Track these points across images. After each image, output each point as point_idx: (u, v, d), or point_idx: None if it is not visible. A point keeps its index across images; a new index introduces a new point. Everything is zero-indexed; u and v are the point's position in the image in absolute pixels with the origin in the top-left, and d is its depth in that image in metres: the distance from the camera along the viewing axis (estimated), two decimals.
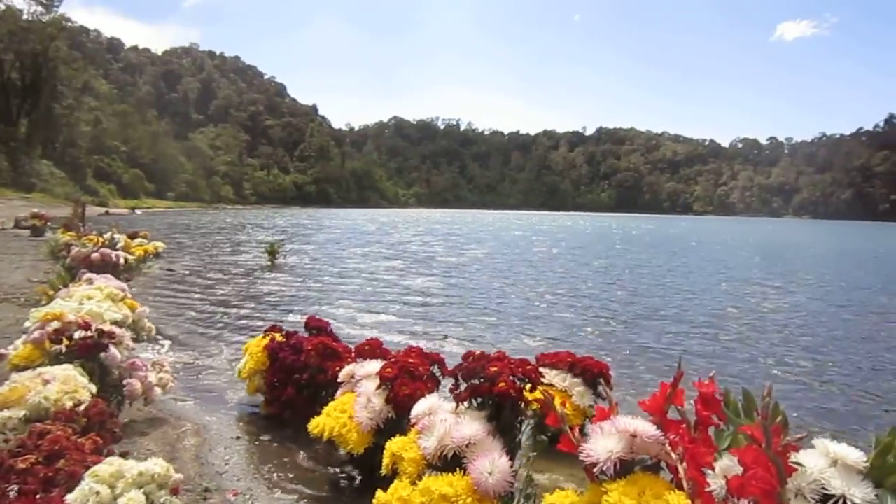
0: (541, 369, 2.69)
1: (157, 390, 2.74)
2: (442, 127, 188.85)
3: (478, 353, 1.79)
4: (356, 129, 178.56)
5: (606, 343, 5.98)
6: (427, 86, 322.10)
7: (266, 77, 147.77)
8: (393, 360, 2.13)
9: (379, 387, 2.04)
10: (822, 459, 1.34)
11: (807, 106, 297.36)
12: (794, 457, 1.32)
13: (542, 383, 2.53)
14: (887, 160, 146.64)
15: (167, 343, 4.73)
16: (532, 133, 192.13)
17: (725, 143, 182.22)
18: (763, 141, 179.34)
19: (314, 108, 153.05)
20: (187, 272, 10.18)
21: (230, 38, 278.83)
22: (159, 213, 48.47)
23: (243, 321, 6.13)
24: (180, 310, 6.59)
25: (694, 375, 4.69)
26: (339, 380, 2.33)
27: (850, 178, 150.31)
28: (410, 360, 2.04)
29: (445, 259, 14.31)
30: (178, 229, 25.57)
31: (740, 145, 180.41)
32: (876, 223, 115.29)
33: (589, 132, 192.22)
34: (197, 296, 7.69)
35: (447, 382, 2.00)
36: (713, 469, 1.32)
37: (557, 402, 2.32)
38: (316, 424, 2.15)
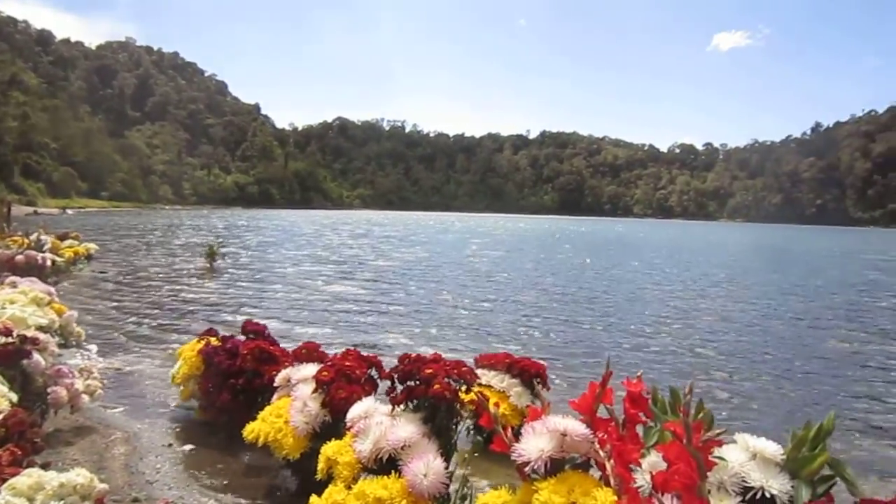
0: (479, 370, 2.72)
1: (85, 398, 2.64)
2: (387, 128, 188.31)
3: (414, 355, 1.79)
4: (300, 129, 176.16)
5: (544, 343, 6.06)
6: (372, 87, 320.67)
7: (207, 74, 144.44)
8: (330, 363, 2.11)
9: (315, 390, 2.02)
10: (743, 453, 1.40)
11: (740, 113, 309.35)
12: (717, 451, 1.37)
13: (479, 384, 2.56)
14: (813, 166, 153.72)
15: (97, 348, 4.55)
16: (477, 136, 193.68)
17: (664, 149, 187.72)
18: (699, 147, 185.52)
19: (257, 108, 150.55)
20: (121, 275, 9.85)
21: (168, 33, 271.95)
22: (92, 214, 46.77)
23: (178, 325, 5.97)
24: (112, 314, 6.38)
25: (627, 373, 4.80)
26: (275, 384, 2.30)
27: (780, 183, 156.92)
28: (347, 364, 2.03)
29: (376, 263, 14.16)
30: (113, 230, 24.72)
31: (678, 151, 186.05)
32: (804, 226, 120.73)
33: (533, 136, 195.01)
34: (130, 299, 7.45)
35: (386, 384, 1.99)
36: (640, 465, 1.36)
37: (494, 402, 2.35)
38: (251, 430, 2.11)
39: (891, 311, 9.61)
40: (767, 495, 1.36)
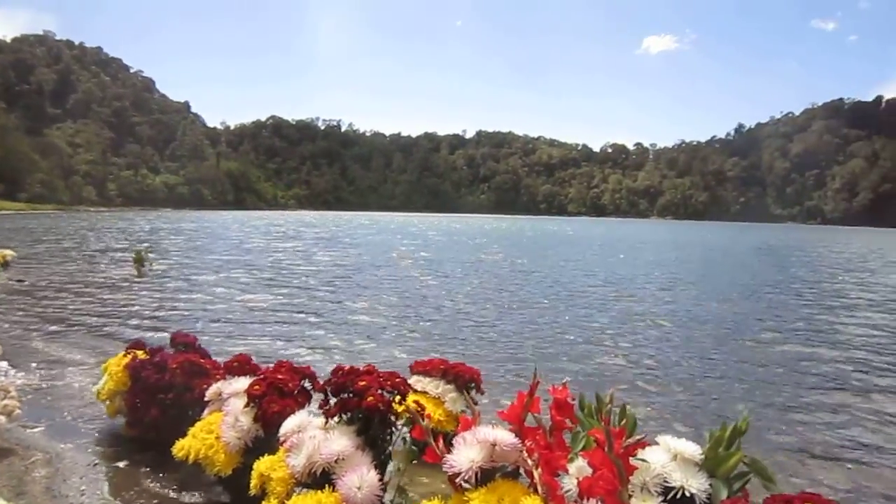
0: (415, 377, 2.74)
1: (1, 418, 2.52)
2: (322, 127, 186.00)
3: (347, 367, 1.79)
4: (232, 128, 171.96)
5: (475, 346, 6.11)
6: (306, 85, 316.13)
7: (132, 70, 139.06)
8: (262, 376, 2.09)
9: (247, 405, 1.99)
10: (665, 455, 1.46)
11: (668, 114, 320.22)
12: (641, 453, 1.43)
13: (416, 390, 2.58)
14: (737, 165, 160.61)
15: (13, 364, 4.33)
16: (413, 135, 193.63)
17: (597, 148, 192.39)
18: (630, 146, 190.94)
19: (186, 105, 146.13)
20: (40, 283, 9.41)
21: (91, 26, 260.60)
22: (8, 217, 44.34)
23: (103, 337, 5.74)
24: (31, 326, 6.08)
25: (555, 375, 4.90)
26: (206, 398, 2.25)
27: (706, 181, 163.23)
28: (280, 377, 2.01)
29: (305, 268, 13.83)
30: (31, 234, 23.54)
31: (610, 150, 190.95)
32: (728, 223, 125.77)
33: (469, 135, 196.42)
34: (51, 310, 7.11)
35: (319, 394, 1.98)
36: (567, 471, 1.41)
37: (427, 413, 2.37)
38: (181, 447, 2.07)
39: (807, 308, 10.13)
40: (687, 494, 1.43)
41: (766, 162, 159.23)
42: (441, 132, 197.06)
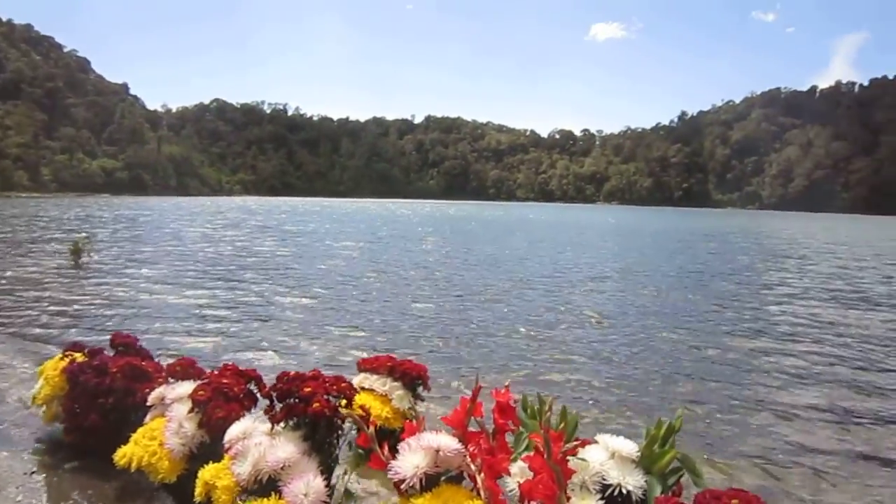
0: (362, 374, 2.75)
1: None
2: (268, 111, 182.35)
3: (292, 373, 1.79)
4: (174, 110, 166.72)
5: (424, 341, 6.14)
6: (251, 67, 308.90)
7: (66, 50, 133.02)
8: (206, 380, 2.07)
9: (191, 410, 1.97)
10: (603, 453, 1.52)
11: (615, 101, 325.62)
12: (581, 452, 1.49)
13: (363, 388, 2.59)
14: (680, 152, 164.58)
15: None
16: (362, 120, 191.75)
17: (544, 134, 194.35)
18: (577, 132, 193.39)
19: (125, 87, 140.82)
20: None
21: (19, 3, 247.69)
22: None
23: (38, 337, 5.53)
24: None
25: (504, 374, 4.94)
26: (148, 403, 2.21)
27: (651, 167, 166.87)
28: (225, 381, 1.99)
29: (246, 260, 13.52)
30: None
31: (557, 136, 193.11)
32: (671, 208, 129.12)
33: (418, 120, 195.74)
34: None
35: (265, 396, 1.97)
36: (510, 474, 1.45)
37: (378, 406, 2.39)
38: (122, 454, 2.03)
39: (747, 298, 10.49)
40: (624, 491, 1.49)
41: (707, 149, 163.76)
42: (390, 117, 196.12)
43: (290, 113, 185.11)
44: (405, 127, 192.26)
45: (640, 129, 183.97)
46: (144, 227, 25.35)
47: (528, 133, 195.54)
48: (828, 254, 20.35)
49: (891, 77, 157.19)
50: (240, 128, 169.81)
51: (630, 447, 1.53)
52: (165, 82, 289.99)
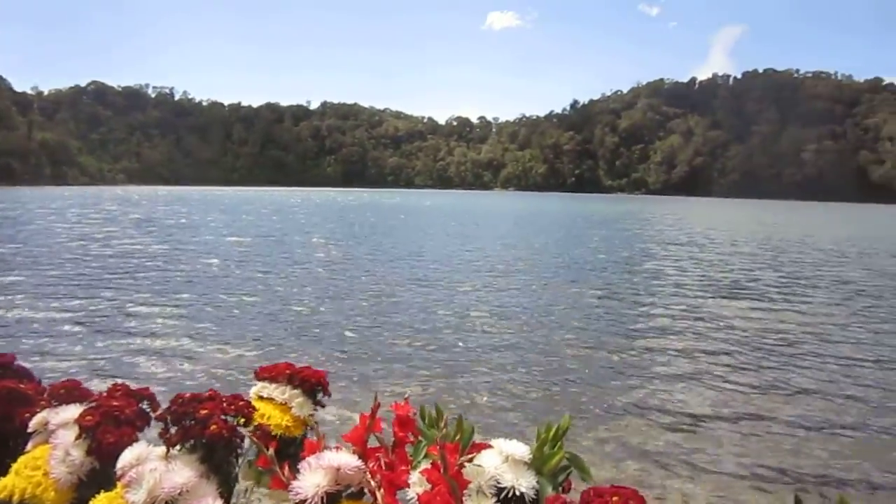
0: (260, 383, 2.71)
1: None
2: (153, 95, 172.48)
3: (188, 395, 1.75)
4: (46, 94, 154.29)
5: (311, 344, 6.10)
6: (132, 48, 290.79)
7: None
8: (94, 403, 1.98)
9: (79, 436, 1.88)
10: (498, 457, 1.59)
11: (510, 89, 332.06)
12: (477, 458, 1.55)
13: (262, 398, 2.56)
14: (572, 140, 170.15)
15: None
16: (255, 105, 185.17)
17: (442, 121, 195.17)
18: (474, 120, 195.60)
19: None
20: None
21: None
22: None
23: None
24: None
25: (399, 378, 4.98)
26: (29, 429, 2.09)
27: (545, 154, 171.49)
28: (115, 403, 1.92)
29: (123, 261, 12.68)
30: None
31: (455, 123, 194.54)
32: (565, 194, 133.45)
33: (314, 106, 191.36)
34: None
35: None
36: (409, 486, 1.49)
37: (278, 415, 2.36)
38: (3, 486, 1.91)
39: (636, 288, 11.02)
40: (518, 493, 1.58)
41: (597, 136, 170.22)
42: (284, 102, 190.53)
43: (177, 97, 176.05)
44: (301, 113, 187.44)
45: (534, 117, 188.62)
46: (5, 223, 22.93)
47: (425, 120, 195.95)
48: (708, 241, 21.75)
49: (761, 70, 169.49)
50: (122, 112, 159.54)
51: (522, 450, 1.61)
52: (35, 63, 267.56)
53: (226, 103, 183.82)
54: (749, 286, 10.65)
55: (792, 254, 16.77)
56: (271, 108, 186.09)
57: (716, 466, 3.59)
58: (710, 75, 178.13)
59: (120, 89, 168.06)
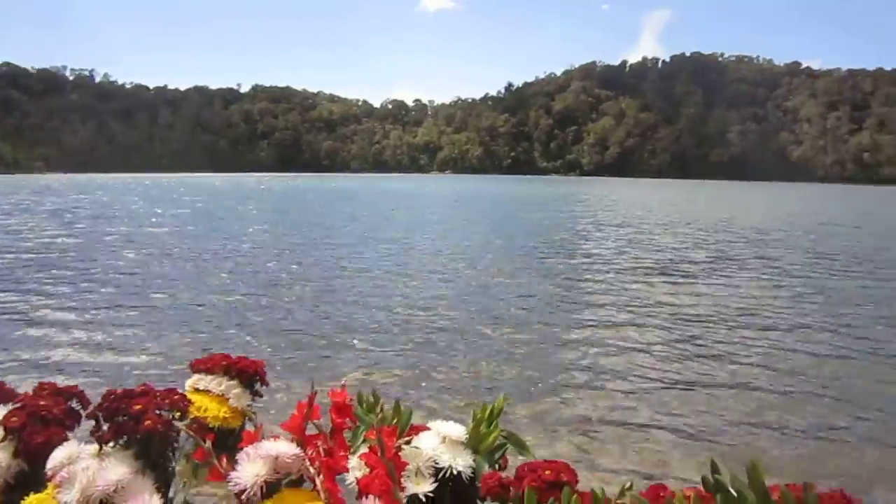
0: (196, 375, 2.67)
1: None
2: (71, 78, 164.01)
3: (120, 391, 1.72)
4: None
5: (235, 331, 6.02)
6: (46, 29, 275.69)
7: None
8: (20, 404, 1.92)
9: (4, 438, 1.83)
10: (435, 439, 1.64)
11: (445, 71, 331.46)
12: (415, 440, 1.59)
13: (198, 390, 2.53)
14: (508, 122, 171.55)
15: None
16: (182, 88, 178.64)
17: (377, 104, 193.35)
18: (410, 103, 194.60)
19: None
20: None
21: None
22: None
23: None
24: None
25: (337, 364, 4.96)
26: None
27: (481, 137, 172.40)
28: (42, 403, 1.87)
29: (37, 256, 12.00)
30: None
31: (390, 106, 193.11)
32: (501, 176, 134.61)
33: (245, 89, 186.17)
34: None
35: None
36: (348, 471, 1.52)
37: (215, 407, 2.35)
38: None
39: (571, 273, 11.25)
40: (455, 472, 1.63)
41: (532, 119, 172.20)
42: (213, 86, 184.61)
43: (97, 80, 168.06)
44: (231, 96, 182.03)
45: (470, 100, 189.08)
46: None
47: (360, 103, 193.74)
48: (642, 222, 22.39)
49: (688, 54, 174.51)
50: (38, 97, 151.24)
51: (459, 431, 1.66)
52: None
53: (151, 86, 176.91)
54: (681, 266, 11.04)
55: (720, 233, 17.48)
56: (200, 91, 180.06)
57: (646, 436, 3.76)
58: (640, 58, 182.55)
59: (35, 72, 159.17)
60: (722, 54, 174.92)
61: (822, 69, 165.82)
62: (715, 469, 1.06)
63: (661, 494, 1.08)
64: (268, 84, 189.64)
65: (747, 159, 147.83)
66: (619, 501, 1.15)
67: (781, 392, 4.64)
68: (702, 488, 1.06)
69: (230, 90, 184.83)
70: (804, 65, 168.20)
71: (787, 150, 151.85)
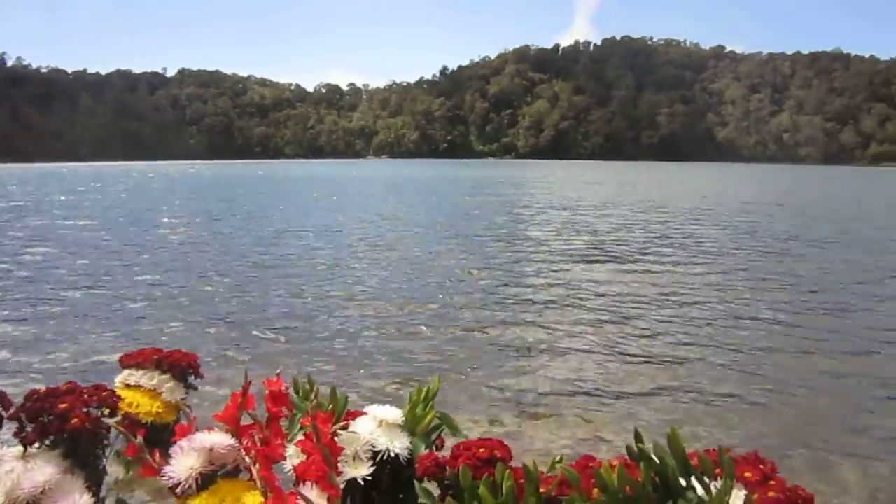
0: (126, 371, 2.61)
1: None
2: None
3: (43, 390, 1.67)
4: None
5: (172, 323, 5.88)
6: None
7: None
8: None
9: None
10: (371, 423, 1.66)
11: (379, 55, 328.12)
12: (352, 425, 1.61)
13: (129, 386, 2.47)
14: (443, 106, 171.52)
15: None
16: (103, 73, 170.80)
17: (310, 88, 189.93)
18: (344, 87, 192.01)
19: None
20: None
21: None
22: None
23: None
24: None
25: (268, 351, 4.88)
26: None
27: (417, 121, 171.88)
28: None
29: None
30: None
31: (324, 90, 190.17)
32: (438, 160, 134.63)
33: (171, 73, 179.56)
34: None
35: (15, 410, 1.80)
36: (285, 459, 1.53)
37: (148, 402, 2.30)
38: None
39: (510, 261, 11.35)
40: (392, 454, 1.65)
41: (468, 102, 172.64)
42: (137, 70, 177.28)
43: (9, 64, 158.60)
44: (157, 81, 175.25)
45: (405, 84, 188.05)
46: None
47: (293, 87, 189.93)
48: (579, 204, 22.83)
49: (619, 37, 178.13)
50: None
51: (395, 414, 1.69)
52: None
53: (69, 70, 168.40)
54: (618, 248, 11.25)
55: (654, 214, 18.01)
56: (122, 75, 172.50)
57: (580, 411, 3.89)
58: (573, 41, 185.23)
59: None
60: (651, 38, 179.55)
61: (744, 53, 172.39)
62: (638, 438, 1.12)
63: (590, 465, 1.13)
64: (195, 68, 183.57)
65: (676, 141, 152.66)
66: (550, 474, 1.20)
67: (706, 363, 4.86)
68: (627, 457, 1.12)
69: (155, 74, 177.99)
70: (728, 49, 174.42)
71: (713, 131, 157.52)
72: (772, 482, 0.97)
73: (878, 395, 4.24)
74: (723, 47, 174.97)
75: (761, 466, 1.01)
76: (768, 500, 0.94)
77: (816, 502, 0.89)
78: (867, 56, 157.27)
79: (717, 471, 0.97)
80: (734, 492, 0.95)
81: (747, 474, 1.00)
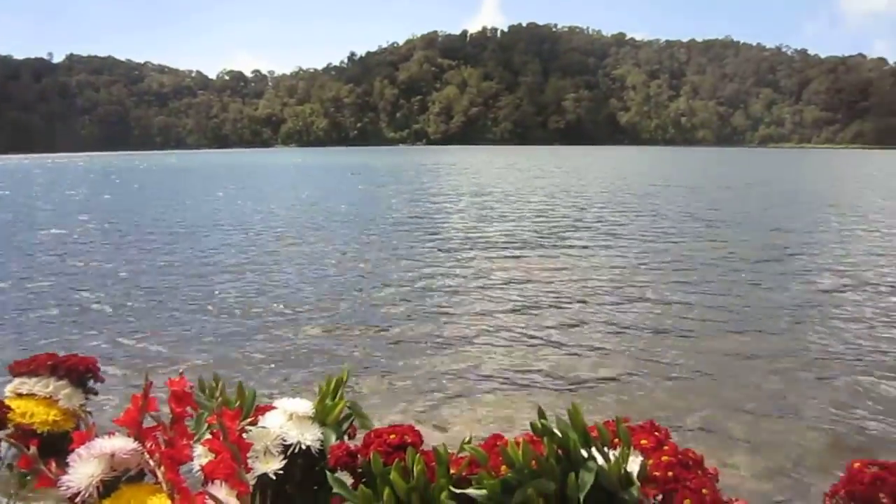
0: (17, 379, 2.47)
1: None
2: None
3: None
4: None
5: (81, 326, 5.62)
6: None
7: None
8: None
9: None
10: (281, 417, 1.65)
11: (284, 41, 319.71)
12: (262, 420, 1.59)
13: (24, 396, 2.35)
14: (352, 93, 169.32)
15: None
16: None
17: (213, 76, 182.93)
18: (248, 74, 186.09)
19: None
20: None
21: None
22: None
23: None
24: None
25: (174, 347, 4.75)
26: None
27: (326, 108, 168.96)
28: None
29: None
30: None
31: (227, 78, 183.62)
32: (349, 148, 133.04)
33: (58, 59, 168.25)
34: None
35: None
36: (192, 459, 1.50)
37: (43, 410, 2.19)
38: None
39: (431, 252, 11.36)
40: (304, 447, 1.65)
41: (377, 89, 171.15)
42: (18, 55, 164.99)
43: None
44: (42, 67, 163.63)
45: (312, 70, 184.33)
46: None
47: (194, 74, 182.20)
48: (496, 191, 23.13)
49: (524, 24, 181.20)
50: None
51: (305, 406, 1.68)
52: None
53: None
54: (527, 234, 11.49)
55: (566, 198, 18.51)
56: (2, 61, 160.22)
57: (490, 394, 3.99)
58: (480, 28, 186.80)
59: None
60: (556, 25, 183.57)
61: (643, 39, 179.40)
62: (542, 415, 1.17)
63: (497, 444, 1.18)
64: (85, 54, 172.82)
65: (582, 125, 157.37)
66: (460, 455, 1.23)
67: (613, 336, 5.09)
68: (532, 433, 1.18)
69: (40, 60, 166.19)
70: (628, 36, 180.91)
71: (616, 115, 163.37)
72: (665, 447, 1.05)
73: (760, 367, 4.58)
74: (623, 34, 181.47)
75: (656, 434, 1.09)
76: (661, 464, 1.02)
77: (706, 462, 0.97)
78: (755, 44, 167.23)
79: (616, 440, 1.05)
80: (631, 458, 1.03)
81: (643, 441, 1.07)
